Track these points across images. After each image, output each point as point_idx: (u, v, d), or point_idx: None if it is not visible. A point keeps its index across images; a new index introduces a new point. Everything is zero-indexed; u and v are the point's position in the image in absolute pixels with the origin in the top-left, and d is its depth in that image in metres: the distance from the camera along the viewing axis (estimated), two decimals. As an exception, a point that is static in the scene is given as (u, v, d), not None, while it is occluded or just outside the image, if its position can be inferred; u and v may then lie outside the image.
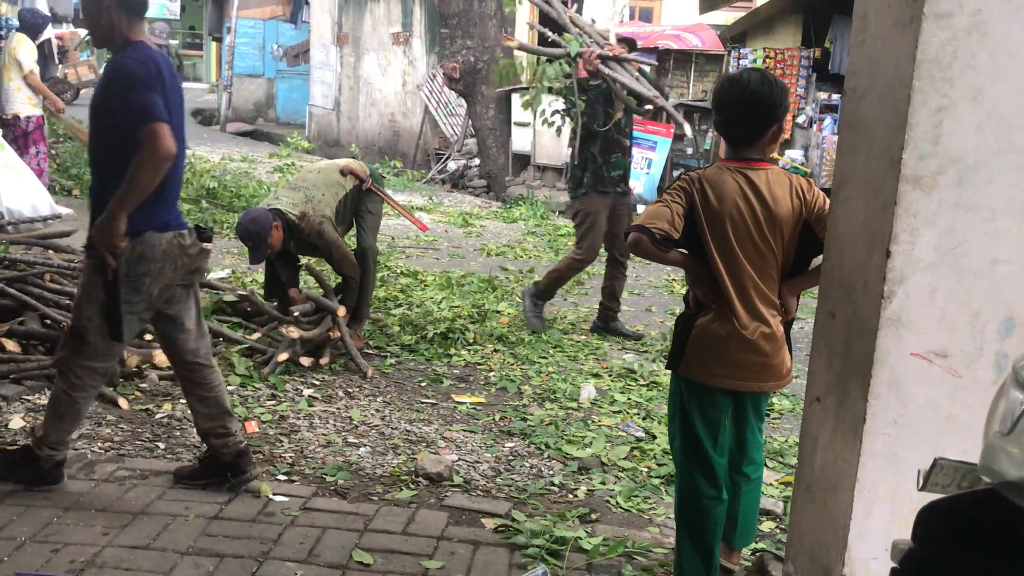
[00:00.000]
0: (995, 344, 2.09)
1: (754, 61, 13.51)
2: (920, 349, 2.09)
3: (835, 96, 12.93)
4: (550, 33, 6.42)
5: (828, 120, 12.81)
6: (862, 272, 2.19)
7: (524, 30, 15.44)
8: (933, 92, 1.99)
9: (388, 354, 5.49)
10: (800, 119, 13.49)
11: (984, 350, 2.10)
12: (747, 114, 2.83)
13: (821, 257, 2.95)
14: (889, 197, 2.06)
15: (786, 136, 13.36)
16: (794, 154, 13.23)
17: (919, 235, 2.05)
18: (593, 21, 6.80)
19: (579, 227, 6.22)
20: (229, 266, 7.27)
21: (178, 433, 4.10)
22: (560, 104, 6.40)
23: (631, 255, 5.66)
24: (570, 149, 6.63)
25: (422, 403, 4.75)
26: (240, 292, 5.79)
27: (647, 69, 6.51)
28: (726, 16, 14.48)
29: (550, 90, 6.23)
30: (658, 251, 2.75)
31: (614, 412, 4.80)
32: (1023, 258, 2.06)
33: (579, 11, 14.92)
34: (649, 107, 6.19)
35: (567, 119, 6.34)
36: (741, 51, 13.59)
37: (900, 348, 2.09)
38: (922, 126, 2.01)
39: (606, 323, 6.35)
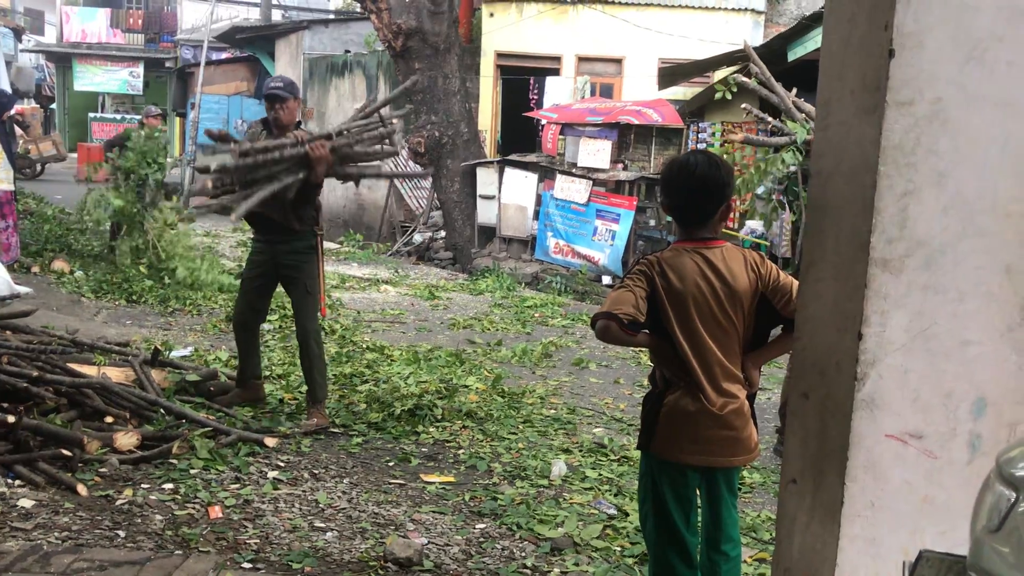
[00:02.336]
0: (968, 424, 2.10)
1: (713, 135, 13.81)
2: (895, 431, 2.09)
3: (792, 168, 13.20)
4: (771, 119, 6.26)
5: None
6: (834, 354, 2.20)
7: (489, 106, 15.69)
8: (898, 177, 2.03)
9: (355, 433, 5.40)
10: (760, 190, 13.72)
11: (958, 430, 2.10)
12: (698, 197, 2.89)
13: (780, 328, 3.00)
14: (859, 280, 2.08)
15: (745, 207, 13.60)
16: (754, 224, 13.43)
17: (889, 317, 2.07)
18: None
19: None
20: (192, 343, 7.16)
21: (139, 520, 3.97)
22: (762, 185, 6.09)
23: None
24: (787, 238, 6.35)
25: (390, 484, 4.66)
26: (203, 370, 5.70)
27: None
28: (685, 91, 14.83)
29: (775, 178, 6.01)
30: (627, 335, 2.78)
31: (585, 489, 4.75)
32: (991, 339, 2.08)
33: (540, 92, 15.25)
34: None
35: (789, 210, 6.04)
36: (700, 125, 13.89)
37: (875, 430, 2.09)
38: (889, 210, 2.04)
39: None
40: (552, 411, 6.17)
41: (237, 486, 4.44)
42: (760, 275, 2.91)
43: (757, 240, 13.26)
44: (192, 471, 4.53)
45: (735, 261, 2.90)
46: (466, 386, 6.40)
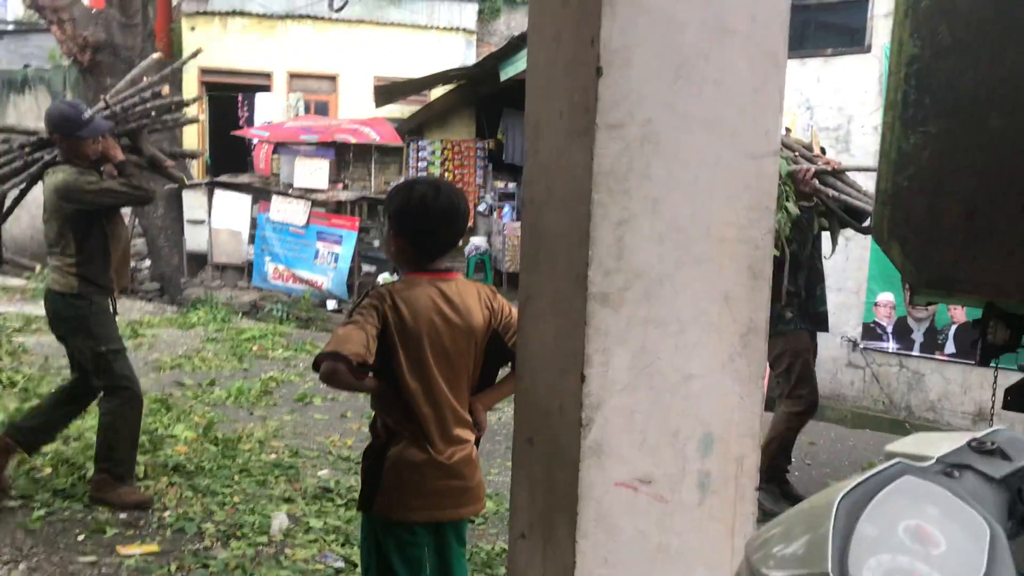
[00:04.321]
0: (697, 463, 1.99)
1: (433, 153, 13.81)
2: (624, 478, 1.94)
3: (511, 184, 13.50)
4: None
5: (507, 207, 13.33)
6: (557, 396, 2.01)
7: (194, 125, 14.68)
8: (612, 205, 1.88)
9: (36, 504, 4.65)
10: (481, 207, 13.93)
11: (686, 470, 1.99)
12: (446, 227, 2.67)
13: (509, 366, 2.83)
14: (579, 316, 1.91)
15: (470, 223, 13.73)
16: (478, 241, 13.59)
17: (612, 355, 1.91)
18: (787, 131, 5.68)
19: (788, 372, 5.22)
20: None
21: None
22: None
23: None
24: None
25: (79, 562, 4.02)
26: None
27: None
28: (403, 110, 14.72)
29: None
30: (356, 380, 2.47)
31: (310, 542, 4.36)
32: (714, 370, 1.99)
33: (250, 109, 14.52)
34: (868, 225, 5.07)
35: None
36: (420, 143, 13.84)
37: (604, 479, 1.92)
38: (604, 240, 1.88)
39: (777, 483, 5.30)
40: (273, 456, 5.70)
41: None
42: (493, 311, 2.74)
43: (482, 256, 13.40)
44: None
45: (469, 295, 2.70)
46: (173, 436, 5.78)
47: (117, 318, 4.88)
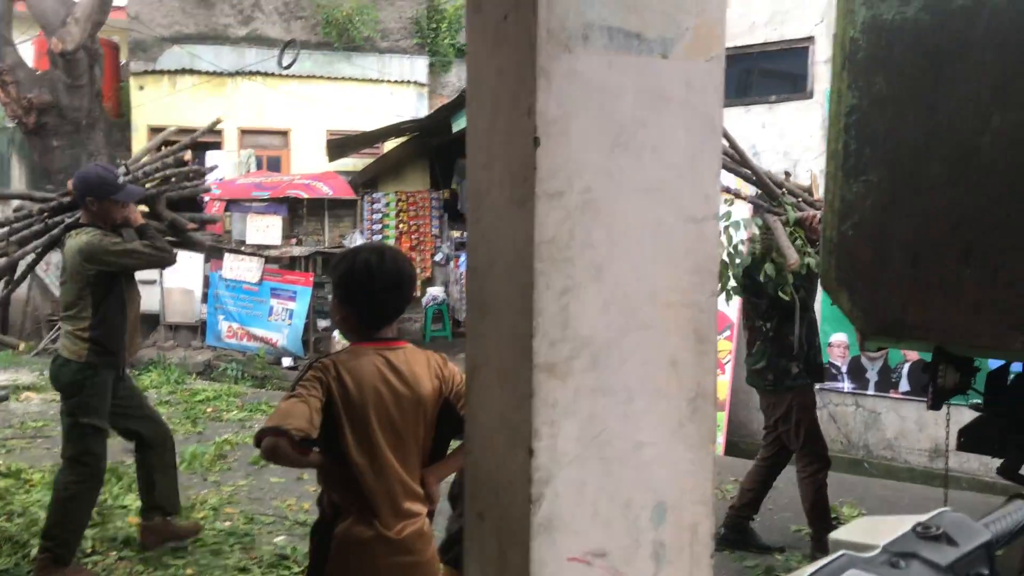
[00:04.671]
0: (650, 534, 1.94)
1: (387, 204, 13.81)
2: (577, 552, 1.88)
3: (467, 234, 13.53)
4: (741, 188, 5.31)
5: (463, 257, 13.33)
6: (506, 470, 1.97)
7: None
8: (556, 273, 1.85)
9: (-23, 588, 4.48)
10: (438, 257, 13.92)
11: (640, 541, 1.94)
12: (391, 294, 2.63)
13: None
14: (525, 388, 1.87)
15: (427, 274, 13.69)
16: (435, 291, 13.56)
17: (560, 427, 1.87)
18: (787, 175, 5.57)
19: (797, 428, 5.07)
20: None
21: None
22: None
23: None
24: (765, 331, 5.13)
25: (22, 649, 3.86)
26: None
27: None
28: (355, 162, 14.73)
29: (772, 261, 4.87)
30: (298, 455, 2.40)
31: (265, 614, 4.24)
32: (664, 438, 1.96)
33: (201, 163, 14.42)
34: None
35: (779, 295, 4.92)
36: (374, 195, 13.83)
37: (556, 555, 1.87)
38: (549, 310, 1.85)
39: (739, 531, 5.31)
40: (228, 523, 5.55)
41: None
42: (443, 379, 2.69)
43: (439, 306, 13.35)
44: None
45: (418, 364, 2.65)
46: (124, 507, 5.62)
47: (134, 381, 5.00)
